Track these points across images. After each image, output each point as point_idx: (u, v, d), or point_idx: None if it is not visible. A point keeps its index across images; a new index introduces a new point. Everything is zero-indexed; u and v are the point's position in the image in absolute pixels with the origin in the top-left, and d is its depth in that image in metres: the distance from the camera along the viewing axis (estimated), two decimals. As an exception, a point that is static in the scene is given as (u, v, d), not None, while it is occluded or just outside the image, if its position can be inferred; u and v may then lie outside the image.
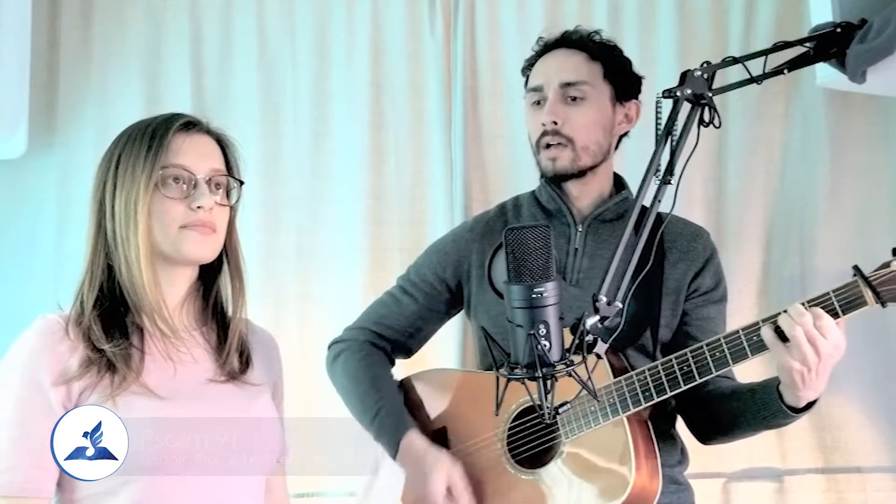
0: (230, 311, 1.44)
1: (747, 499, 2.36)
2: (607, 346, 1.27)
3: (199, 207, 1.33)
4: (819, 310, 1.41)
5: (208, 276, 1.44)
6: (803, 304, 1.43)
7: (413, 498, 1.67)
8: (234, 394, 1.40)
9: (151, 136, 1.34)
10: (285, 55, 2.47)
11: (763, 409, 1.55)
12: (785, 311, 1.43)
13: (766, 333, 1.44)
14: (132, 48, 2.45)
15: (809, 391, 1.46)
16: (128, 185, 1.32)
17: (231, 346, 1.42)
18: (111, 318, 1.32)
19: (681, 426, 1.78)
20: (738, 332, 1.49)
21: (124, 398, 1.27)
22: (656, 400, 1.54)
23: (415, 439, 1.70)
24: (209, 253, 1.38)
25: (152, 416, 1.28)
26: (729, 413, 1.63)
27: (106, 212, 1.34)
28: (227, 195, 1.40)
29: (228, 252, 1.43)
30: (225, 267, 1.44)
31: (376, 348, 1.84)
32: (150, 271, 1.32)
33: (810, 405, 1.50)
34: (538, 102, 1.77)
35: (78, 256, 2.32)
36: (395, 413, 1.74)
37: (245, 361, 1.45)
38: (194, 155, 1.36)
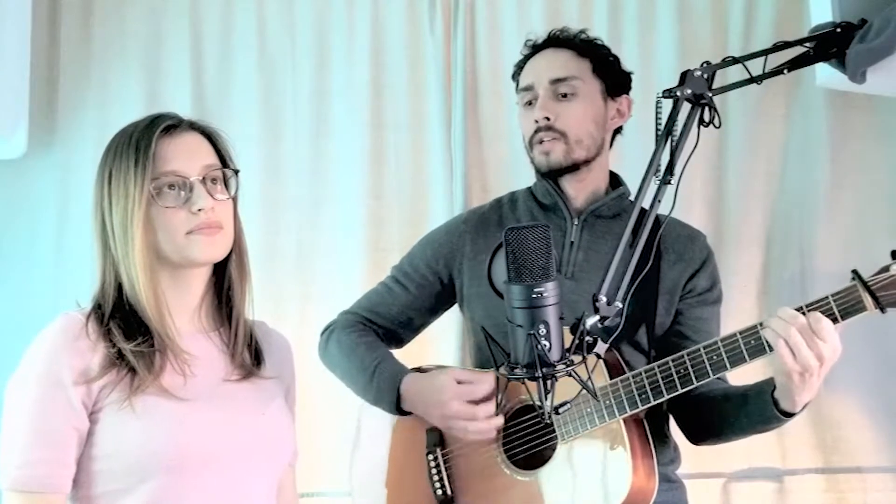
0: (235, 301, 1.43)
1: (747, 499, 2.36)
2: (607, 346, 1.27)
3: (199, 210, 1.32)
4: (818, 313, 1.40)
5: (221, 272, 1.44)
6: (799, 308, 1.42)
7: (438, 419, 1.65)
8: (249, 395, 1.40)
9: (136, 148, 1.32)
10: (285, 55, 2.47)
11: (756, 413, 1.55)
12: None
13: (770, 334, 1.43)
14: (132, 48, 2.45)
15: (806, 394, 1.45)
16: (122, 202, 1.31)
17: (239, 338, 1.42)
18: (131, 321, 1.32)
19: (673, 425, 1.78)
20: (735, 335, 1.49)
21: (142, 398, 1.28)
22: (653, 403, 1.54)
23: (411, 377, 1.70)
24: (221, 252, 1.38)
25: (169, 416, 1.28)
26: (721, 416, 1.63)
27: (107, 231, 1.34)
28: (226, 187, 1.39)
29: (233, 243, 1.42)
30: (232, 258, 1.43)
31: (368, 328, 1.85)
32: (151, 289, 1.32)
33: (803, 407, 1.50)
34: (530, 102, 1.78)
35: (78, 256, 2.35)
36: (393, 365, 1.75)
37: (256, 356, 1.45)
38: (183, 157, 1.34)
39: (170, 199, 1.33)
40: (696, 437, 1.73)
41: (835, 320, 1.41)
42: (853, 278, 1.41)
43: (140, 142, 1.33)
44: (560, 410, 1.21)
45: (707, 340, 1.68)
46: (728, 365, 1.48)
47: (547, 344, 1.14)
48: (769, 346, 1.44)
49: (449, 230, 1.88)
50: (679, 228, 1.78)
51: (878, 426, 2.34)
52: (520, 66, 1.84)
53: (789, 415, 1.50)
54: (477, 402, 1.59)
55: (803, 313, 1.41)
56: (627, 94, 1.82)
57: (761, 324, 1.46)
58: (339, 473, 2.23)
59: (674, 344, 1.70)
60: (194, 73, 2.45)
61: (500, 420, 1.61)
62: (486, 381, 1.61)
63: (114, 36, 2.45)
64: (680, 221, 1.79)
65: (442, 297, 1.87)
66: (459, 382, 1.62)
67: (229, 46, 2.47)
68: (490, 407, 1.60)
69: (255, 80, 2.46)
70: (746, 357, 1.47)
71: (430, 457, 1.72)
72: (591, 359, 1.24)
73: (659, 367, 1.53)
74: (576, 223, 1.76)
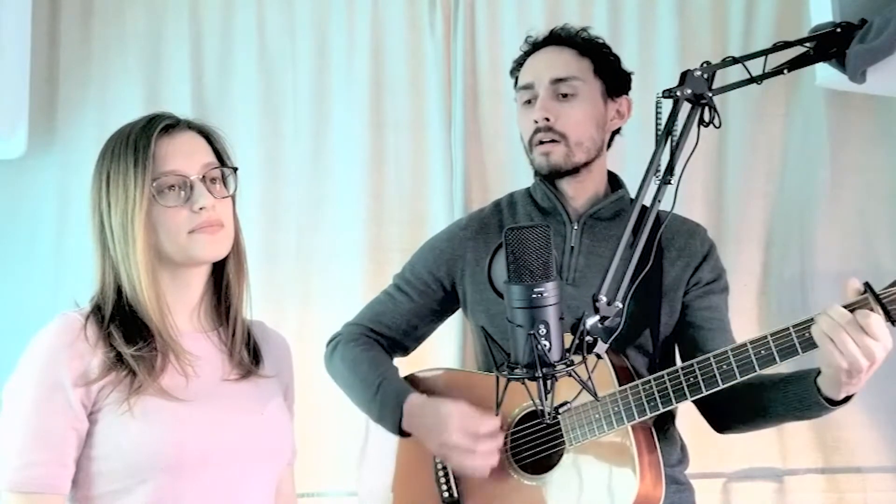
0: (233, 300, 1.43)
1: (747, 499, 2.36)
2: (607, 346, 1.27)
3: (201, 209, 1.32)
4: (865, 310, 1.36)
5: (219, 271, 1.43)
6: (846, 306, 1.38)
7: (436, 447, 1.64)
8: (248, 394, 1.40)
9: (135, 149, 1.32)
10: (285, 55, 2.47)
11: (797, 401, 1.52)
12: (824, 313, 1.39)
13: (816, 331, 1.39)
14: (132, 48, 2.45)
15: (851, 387, 1.43)
16: (122, 203, 1.31)
17: (237, 337, 1.42)
18: (131, 324, 1.32)
19: (681, 424, 1.78)
20: (745, 344, 1.47)
21: (141, 399, 1.28)
22: (662, 411, 1.53)
23: (415, 399, 1.69)
24: (223, 249, 1.38)
25: (168, 417, 1.28)
26: (757, 404, 1.59)
27: (106, 232, 1.33)
28: (224, 185, 1.39)
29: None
30: (230, 256, 1.42)
31: (373, 340, 1.85)
32: (153, 290, 1.32)
33: (848, 398, 1.47)
34: (529, 101, 1.77)
35: (78, 256, 2.35)
36: (396, 384, 1.74)
37: (255, 355, 1.45)
38: (182, 156, 1.34)
39: (171, 198, 1.33)
40: (723, 425, 1.70)
41: None
42: (864, 291, 1.39)
43: (138, 142, 1.32)
44: (560, 411, 1.21)
45: (720, 329, 1.68)
46: (738, 374, 1.46)
47: (547, 344, 1.14)
48: (800, 347, 1.42)
49: (450, 237, 1.87)
50: (678, 224, 1.77)
51: (878, 426, 2.34)
52: (519, 63, 1.82)
53: (832, 402, 1.47)
54: (478, 438, 1.59)
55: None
56: (627, 94, 1.81)
57: (796, 325, 1.42)
58: (342, 473, 2.24)
59: (689, 337, 1.69)
60: (194, 73, 2.45)
61: (496, 458, 1.60)
62: (491, 421, 1.60)
63: (114, 36, 2.45)
64: (680, 217, 1.78)
65: (445, 304, 1.86)
66: (465, 415, 1.61)
67: (229, 46, 2.47)
68: (490, 444, 1.60)
69: (255, 80, 2.46)
70: (756, 366, 1.45)
71: (438, 460, 1.72)
72: (592, 359, 1.24)
73: (668, 374, 1.52)
74: (575, 227, 1.75)
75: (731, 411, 1.66)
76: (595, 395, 1.21)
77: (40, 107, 2.40)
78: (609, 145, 1.82)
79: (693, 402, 1.68)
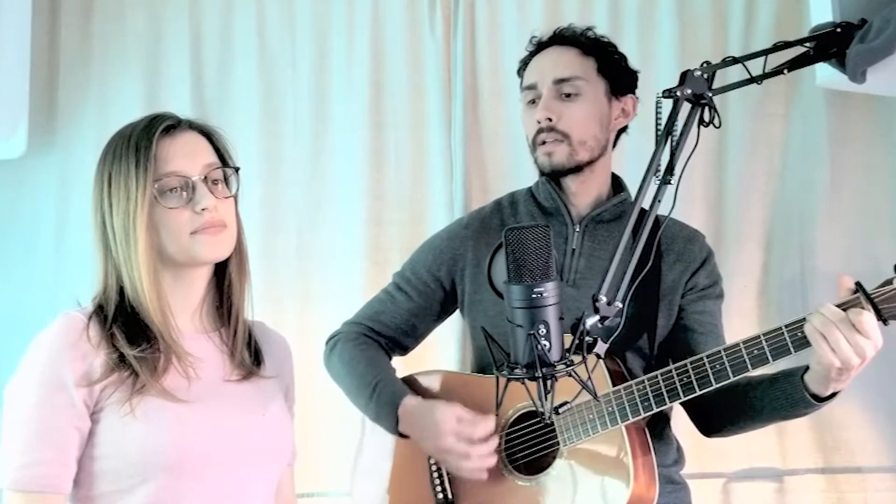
0: (235, 300, 1.43)
1: (747, 499, 2.36)
2: (607, 346, 1.27)
3: (203, 210, 1.32)
4: (858, 308, 1.38)
5: (221, 271, 1.43)
6: (838, 305, 1.39)
7: (432, 450, 1.65)
8: (250, 395, 1.40)
9: (137, 150, 1.31)
10: (285, 55, 2.47)
11: (783, 397, 1.53)
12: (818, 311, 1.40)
13: (809, 329, 1.41)
14: (132, 48, 2.45)
15: (839, 384, 1.44)
16: (123, 204, 1.30)
17: (238, 337, 1.42)
18: (134, 325, 1.32)
19: (677, 425, 1.78)
20: (738, 344, 1.47)
21: (143, 400, 1.27)
22: (655, 410, 1.53)
23: (410, 402, 1.69)
24: (226, 250, 1.37)
25: (170, 417, 1.28)
26: (744, 402, 1.60)
27: (108, 233, 1.33)
28: (227, 185, 1.39)
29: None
30: (232, 257, 1.42)
31: (372, 339, 1.85)
32: (154, 291, 1.31)
33: (833, 395, 1.47)
34: (533, 101, 1.76)
35: (78, 256, 2.35)
36: (392, 385, 1.74)
37: (256, 356, 1.45)
38: (184, 157, 1.34)
39: (172, 199, 1.32)
40: (711, 429, 1.71)
41: None
42: (856, 290, 1.40)
43: (140, 143, 1.32)
44: (560, 410, 1.21)
45: (712, 333, 1.69)
46: (731, 373, 1.47)
47: (547, 344, 1.14)
48: (792, 346, 1.43)
49: (450, 235, 1.86)
50: (678, 229, 1.77)
51: (878, 426, 2.34)
52: (524, 63, 1.82)
53: (818, 399, 1.48)
54: (473, 442, 1.60)
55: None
56: (633, 93, 1.81)
57: (788, 325, 1.43)
58: (340, 474, 2.24)
59: (680, 339, 1.70)
60: (194, 73, 2.45)
61: (493, 460, 1.61)
62: (486, 423, 1.60)
63: (114, 36, 2.45)
64: (679, 222, 1.79)
65: (445, 304, 1.86)
66: (459, 419, 1.62)
67: (229, 46, 2.47)
68: (485, 448, 1.60)
69: (255, 80, 2.46)
70: (749, 365, 1.46)
71: (432, 461, 1.72)
72: (592, 359, 1.24)
73: (662, 374, 1.53)
74: (577, 230, 1.75)
75: (719, 412, 1.66)
76: (595, 395, 1.21)
77: (40, 107, 2.41)
78: (615, 144, 1.82)
79: (681, 404, 1.69)
